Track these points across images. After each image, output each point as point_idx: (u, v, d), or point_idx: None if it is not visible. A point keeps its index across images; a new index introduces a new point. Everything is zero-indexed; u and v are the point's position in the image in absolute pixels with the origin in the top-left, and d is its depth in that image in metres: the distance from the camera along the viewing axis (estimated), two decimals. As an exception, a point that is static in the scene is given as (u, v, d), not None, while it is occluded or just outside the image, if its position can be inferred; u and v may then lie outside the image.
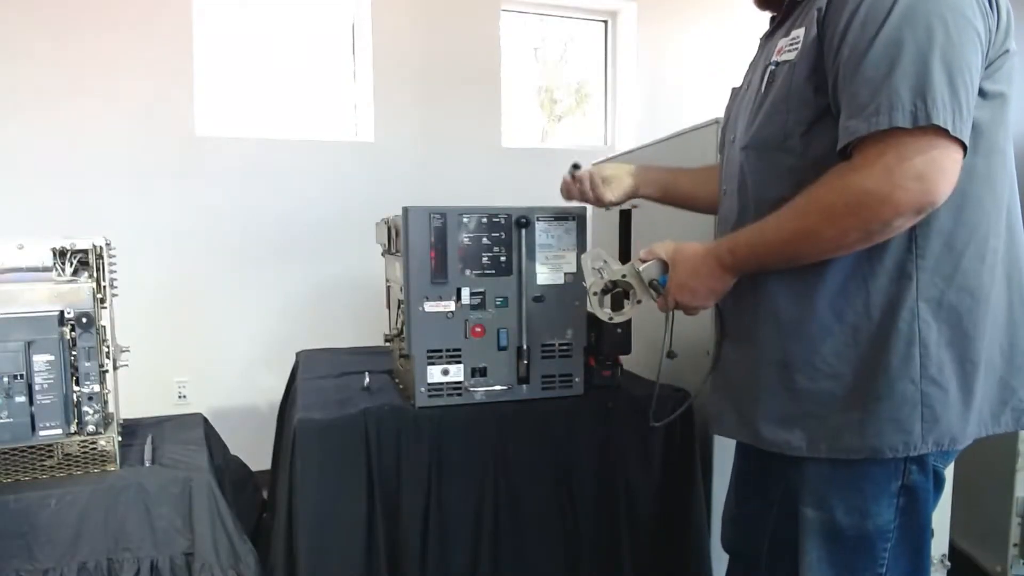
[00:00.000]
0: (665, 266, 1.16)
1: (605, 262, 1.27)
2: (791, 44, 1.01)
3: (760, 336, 1.08)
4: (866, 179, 0.90)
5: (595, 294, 1.26)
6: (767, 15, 1.19)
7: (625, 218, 2.17)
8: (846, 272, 0.99)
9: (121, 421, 1.60)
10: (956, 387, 0.97)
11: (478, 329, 1.55)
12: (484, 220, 1.54)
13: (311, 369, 1.96)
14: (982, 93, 0.93)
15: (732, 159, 1.15)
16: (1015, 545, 2.03)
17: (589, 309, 1.29)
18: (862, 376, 0.99)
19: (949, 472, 1.76)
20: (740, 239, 1.06)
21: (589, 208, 1.59)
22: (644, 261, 1.18)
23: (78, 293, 1.37)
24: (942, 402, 0.97)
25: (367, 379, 1.74)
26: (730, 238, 1.09)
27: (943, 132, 0.86)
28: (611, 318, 1.27)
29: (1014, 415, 1.04)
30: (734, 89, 1.27)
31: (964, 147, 0.89)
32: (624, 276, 1.22)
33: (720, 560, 1.40)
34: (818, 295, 1.00)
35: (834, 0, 0.95)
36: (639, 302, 1.22)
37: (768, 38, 1.13)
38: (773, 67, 1.05)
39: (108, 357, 1.47)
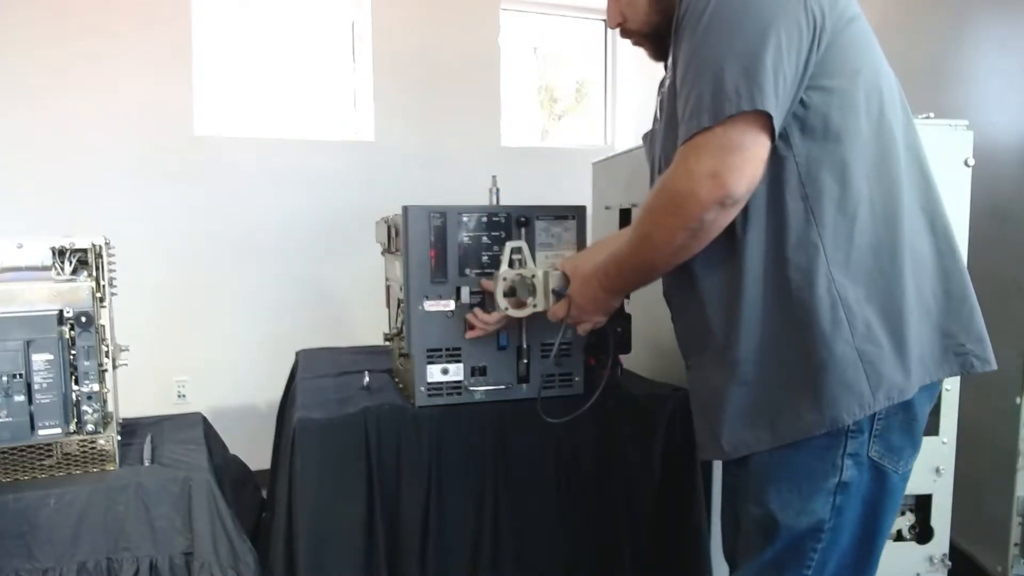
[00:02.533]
0: (567, 280, 1.29)
1: (523, 257, 1.41)
2: (671, 70, 1.07)
3: (707, 345, 1.11)
4: (676, 181, 0.98)
5: (504, 280, 1.39)
6: None
7: (625, 218, 2.17)
8: (759, 260, 1.02)
9: (120, 420, 1.60)
10: (887, 340, 0.99)
11: (478, 328, 1.55)
12: (484, 219, 1.54)
13: (311, 368, 1.96)
14: (838, 70, 0.97)
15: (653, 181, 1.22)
16: (1015, 545, 2.03)
17: (495, 294, 1.40)
18: (804, 352, 1.00)
19: (948, 471, 1.78)
20: (611, 258, 1.16)
21: (589, 207, 1.59)
22: (555, 270, 1.32)
23: (77, 292, 1.37)
24: (879, 357, 0.99)
25: (367, 378, 1.73)
26: (608, 258, 1.17)
27: (745, 124, 0.92)
28: (507, 308, 1.39)
29: (958, 360, 1.05)
30: None
31: (772, 130, 0.93)
32: (532, 276, 1.34)
33: (721, 561, 1.39)
34: (744, 290, 1.03)
35: (680, 22, 1.01)
36: (535, 306, 1.35)
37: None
38: (662, 94, 1.14)
39: (107, 356, 1.47)
